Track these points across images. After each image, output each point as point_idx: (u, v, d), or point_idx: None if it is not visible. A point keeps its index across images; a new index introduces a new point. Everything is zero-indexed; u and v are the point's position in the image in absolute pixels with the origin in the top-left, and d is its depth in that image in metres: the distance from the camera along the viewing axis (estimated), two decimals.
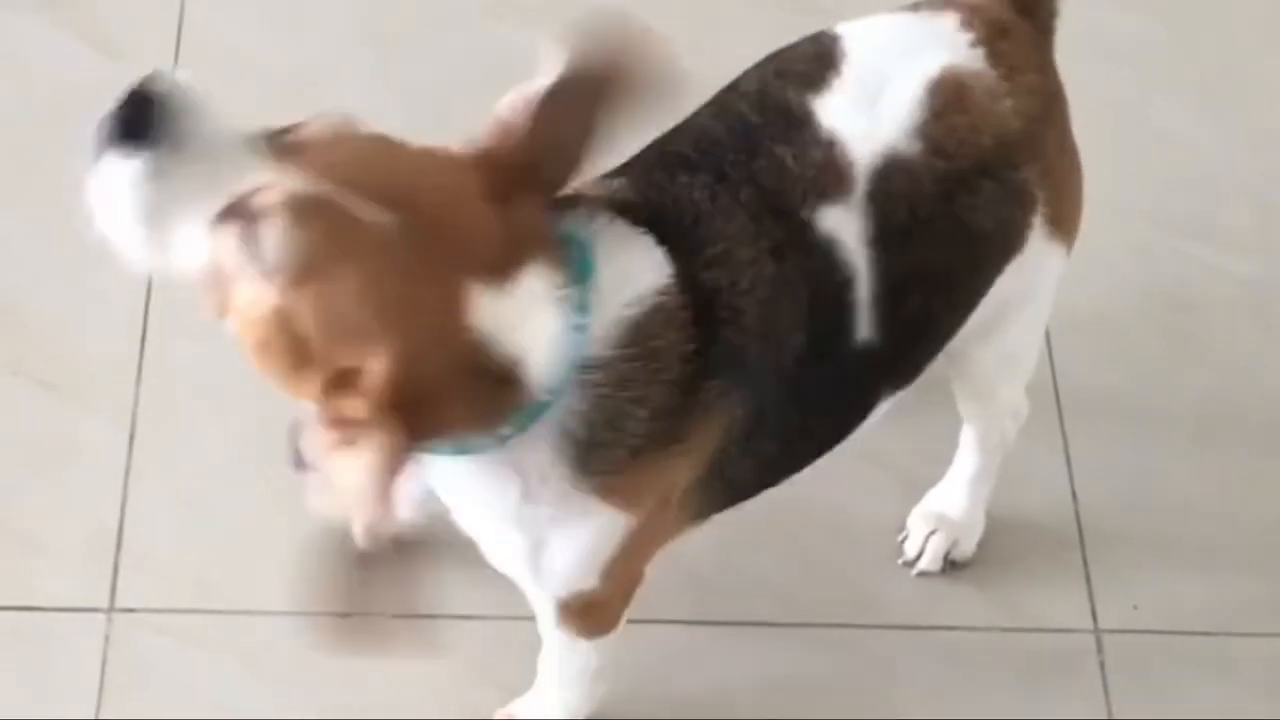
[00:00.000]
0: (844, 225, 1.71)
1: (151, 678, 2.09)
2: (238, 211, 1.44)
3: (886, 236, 1.72)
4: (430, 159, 1.51)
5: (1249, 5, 2.78)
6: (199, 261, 1.46)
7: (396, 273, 1.44)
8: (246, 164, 1.45)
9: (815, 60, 1.80)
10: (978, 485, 2.19)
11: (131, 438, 2.25)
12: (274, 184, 1.43)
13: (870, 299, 1.72)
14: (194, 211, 1.45)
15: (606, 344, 1.58)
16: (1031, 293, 1.93)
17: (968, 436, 2.17)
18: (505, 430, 1.57)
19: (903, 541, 2.23)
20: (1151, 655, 2.19)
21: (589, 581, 1.76)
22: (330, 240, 1.42)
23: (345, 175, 1.44)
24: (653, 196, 1.70)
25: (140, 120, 1.45)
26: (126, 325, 2.32)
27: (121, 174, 1.45)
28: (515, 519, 1.68)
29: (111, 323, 2.33)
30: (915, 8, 1.86)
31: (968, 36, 1.81)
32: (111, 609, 2.12)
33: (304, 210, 1.42)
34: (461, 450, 1.60)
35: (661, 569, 1.87)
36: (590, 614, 1.85)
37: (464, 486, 1.69)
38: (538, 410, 1.56)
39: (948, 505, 2.21)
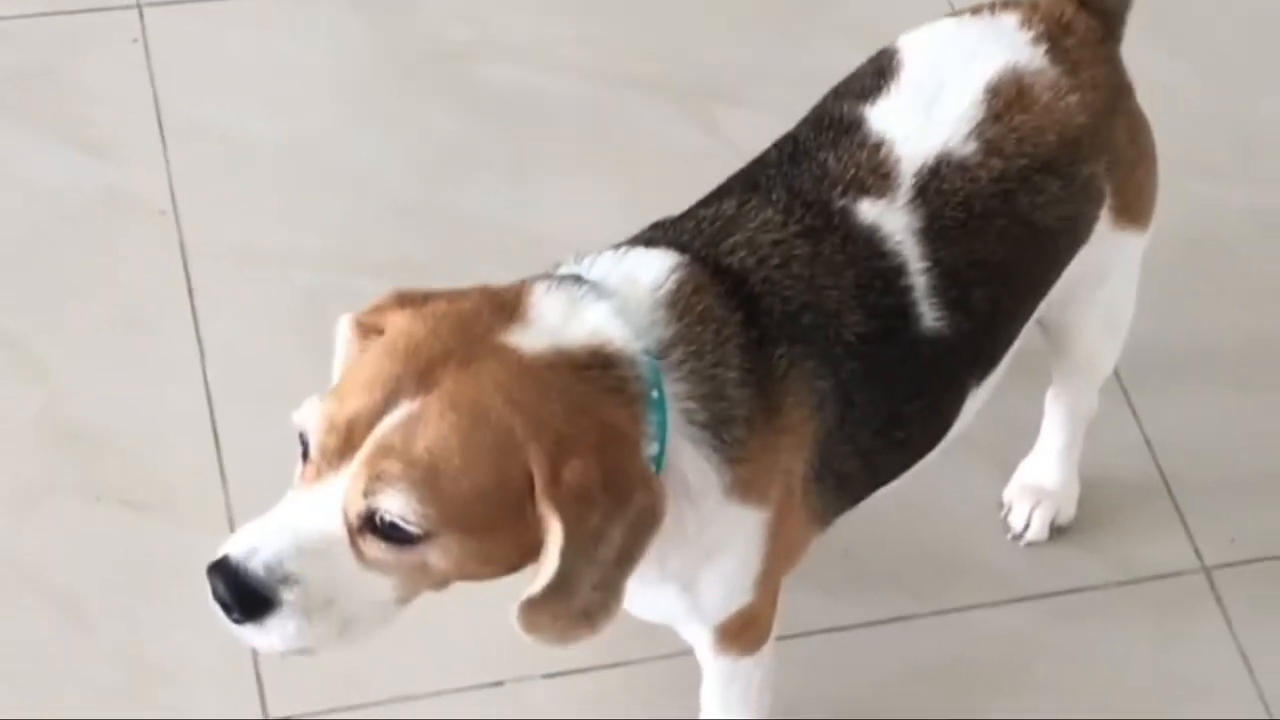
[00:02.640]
0: (887, 217, 1.78)
1: None
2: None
3: (940, 231, 1.80)
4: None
5: None
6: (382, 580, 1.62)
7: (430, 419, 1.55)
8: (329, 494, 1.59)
9: (874, 75, 1.87)
10: (1069, 452, 2.27)
11: None
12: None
13: (930, 288, 1.79)
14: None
15: (661, 323, 1.66)
16: (1112, 270, 2.01)
17: (1056, 408, 2.23)
18: (651, 445, 1.63)
19: (1006, 516, 2.30)
20: (1260, 582, 2.28)
21: (745, 597, 1.82)
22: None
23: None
24: (673, 225, 1.79)
25: (237, 597, 1.60)
26: (196, 431, 2.30)
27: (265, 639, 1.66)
28: (665, 570, 1.73)
29: (185, 430, 2.30)
30: (976, 10, 1.93)
31: (1028, 35, 1.87)
32: None
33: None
34: None
35: (789, 586, 1.93)
36: (746, 631, 1.91)
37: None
38: (656, 408, 1.63)
39: (1043, 476, 2.28)
